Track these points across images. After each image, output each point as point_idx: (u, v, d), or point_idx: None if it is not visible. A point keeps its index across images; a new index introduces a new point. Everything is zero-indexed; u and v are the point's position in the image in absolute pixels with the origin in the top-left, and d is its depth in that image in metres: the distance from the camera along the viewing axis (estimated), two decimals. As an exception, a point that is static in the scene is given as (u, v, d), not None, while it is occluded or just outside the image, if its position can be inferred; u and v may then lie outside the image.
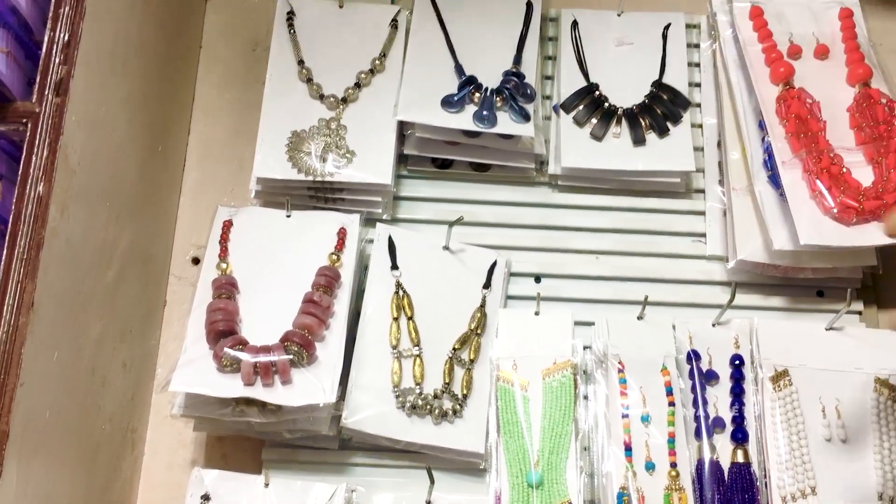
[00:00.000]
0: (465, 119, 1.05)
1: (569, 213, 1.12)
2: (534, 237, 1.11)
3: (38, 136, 0.77)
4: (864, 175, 1.00)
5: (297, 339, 0.91)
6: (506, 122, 1.06)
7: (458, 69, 1.09)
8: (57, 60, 0.80)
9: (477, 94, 1.07)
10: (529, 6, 1.15)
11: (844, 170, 0.99)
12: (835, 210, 0.97)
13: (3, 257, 0.75)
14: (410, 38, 1.11)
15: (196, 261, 1.11)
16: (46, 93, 0.79)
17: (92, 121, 0.86)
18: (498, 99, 1.07)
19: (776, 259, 1.03)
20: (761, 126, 1.06)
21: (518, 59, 1.12)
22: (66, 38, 0.81)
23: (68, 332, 0.83)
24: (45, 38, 0.80)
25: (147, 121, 1.03)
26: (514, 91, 1.08)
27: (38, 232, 0.75)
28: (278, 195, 1.06)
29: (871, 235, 0.98)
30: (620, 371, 0.98)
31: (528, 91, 1.08)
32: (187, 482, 0.93)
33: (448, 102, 1.06)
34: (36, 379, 0.76)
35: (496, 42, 1.12)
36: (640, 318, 1.02)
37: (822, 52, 1.08)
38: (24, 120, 0.79)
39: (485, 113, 1.05)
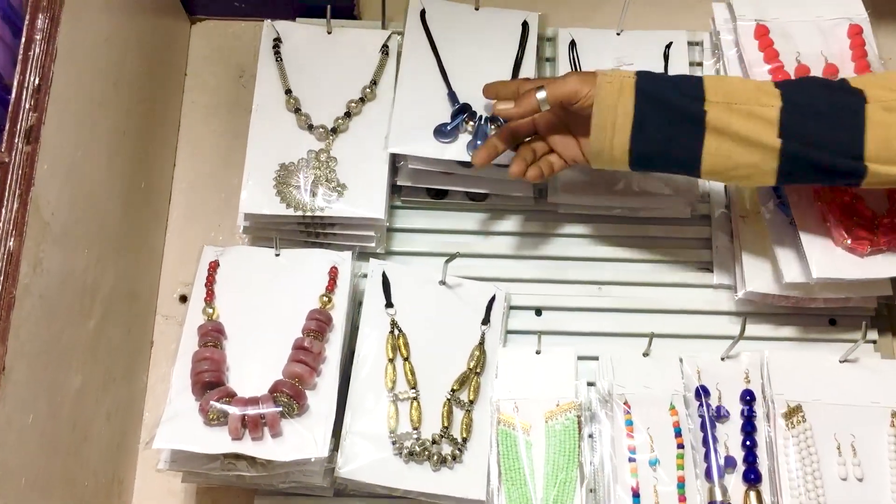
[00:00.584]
0: (458, 149, 1.01)
1: (569, 243, 1.08)
2: (533, 268, 1.07)
3: (6, 189, 0.73)
4: (877, 202, 0.96)
5: (286, 389, 0.87)
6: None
7: (451, 96, 1.05)
8: (27, 106, 0.76)
9: (471, 123, 1.03)
10: (525, 26, 1.11)
11: (856, 199, 0.95)
12: (848, 241, 0.93)
13: (-28, 319, 0.71)
14: (402, 65, 1.07)
15: (184, 298, 1.07)
16: (16, 141, 0.75)
17: (67, 166, 0.82)
18: (493, 127, 1.02)
19: (787, 291, 0.98)
20: (769, 150, 1.01)
21: (513, 84, 1.07)
22: (37, 82, 0.77)
23: (45, 392, 0.79)
24: (14, 83, 0.76)
25: (129, 156, 0.99)
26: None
27: (9, 291, 0.71)
28: (267, 230, 1.02)
29: (887, 267, 0.94)
30: (627, 412, 0.94)
31: None
32: (177, 533, 0.90)
33: (441, 132, 1.02)
34: (10, 446, 0.72)
35: (491, 65, 1.08)
36: (645, 354, 0.98)
37: (831, 73, 1.04)
38: (-7, 170, 0.75)
39: (479, 143, 1.01)
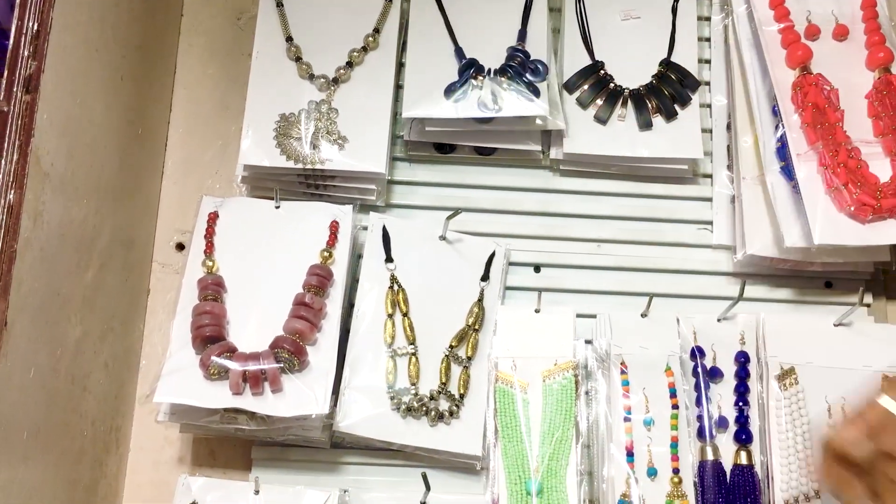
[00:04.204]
0: (471, 105, 0.99)
1: (570, 199, 1.08)
2: (534, 224, 1.06)
3: (6, 140, 0.71)
4: (881, 168, 0.96)
5: (287, 345, 0.86)
6: (514, 103, 1.00)
7: (458, 52, 1.02)
8: (25, 54, 0.74)
9: (479, 77, 1.01)
10: (533, -23, 1.08)
11: (861, 164, 0.94)
12: (851, 208, 0.93)
13: (-28, 273, 0.70)
14: (410, 24, 1.05)
15: (181, 246, 1.06)
16: (15, 90, 0.73)
17: (66, 116, 0.80)
18: (503, 79, 1.01)
19: (787, 254, 0.98)
20: (775, 112, 1.01)
21: (523, 35, 1.05)
22: (36, 28, 0.74)
23: (45, 346, 0.79)
24: (13, 30, 0.74)
25: (125, 103, 0.97)
26: (520, 68, 1.02)
27: (10, 245, 0.70)
28: (266, 181, 1.01)
29: (888, 233, 0.94)
30: (623, 372, 0.95)
31: (537, 66, 1.02)
32: (174, 480, 0.91)
33: (451, 91, 1.00)
34: (12, 400, 0.72)
35: (499, 18, 1.06)
36: (643, 315, 0.98)
37: (841, 34, 1.03)
38: (-8, 120, 0.73)
39: (490, 97, 0.99)
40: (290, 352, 0.86)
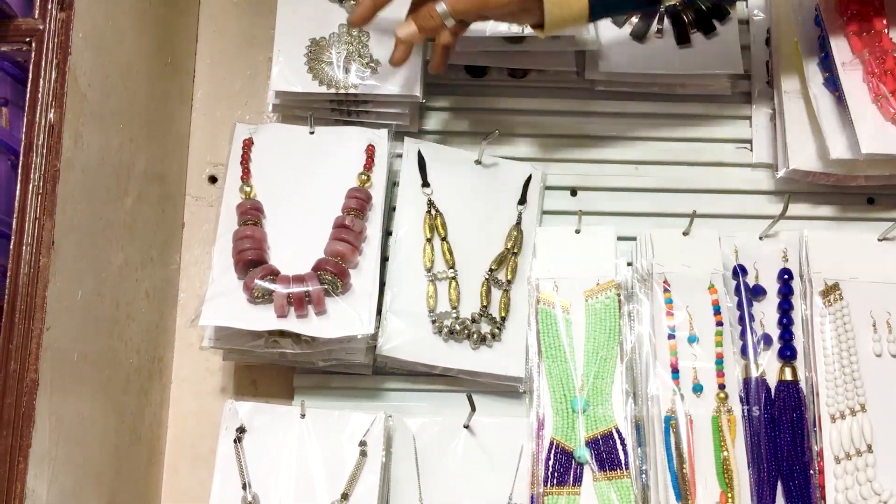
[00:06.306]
0: (499, 25, 0.97)
1: (606, 121, 1.06)
2: (570, 147, 1.05)
3: (44, 57, 0.70)
4: (928, 76, 0.94)
5: (330, 267, 0.86)
6: None
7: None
8: (59, -30, 0.72)
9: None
10: None
11: (909, 72, 0.92)
12: (899, 116, 0.91)
13: (17, 193, 0.69)
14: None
15: (213, 179, 1.05)
16: (50, 7, 0.71)
17: (99, 36, 0.78)
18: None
19: (831, 168, 0.97)
20: (817, 22, 0.98)
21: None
22: (66, -56, 0.73)
23: (91, 268, 0.78)
24: (43, -54, 0.72)
25: (154, 32, 0.95)
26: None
27: (53, 164, 0.69)
28: (298, 108, 1.00)
29: (936, 142, 0.92)
30: (666, 290, 0.94)
31: None
32: (217, 410, 0.91)
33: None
34: (62, 321, 0.72)
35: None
36: (685, 233, 0.97)
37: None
38: (28, 39, 0.71)
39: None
40: (333, 273, 0.86)
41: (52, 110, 0.70)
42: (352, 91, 0.97)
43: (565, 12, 0.84)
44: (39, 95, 0.70)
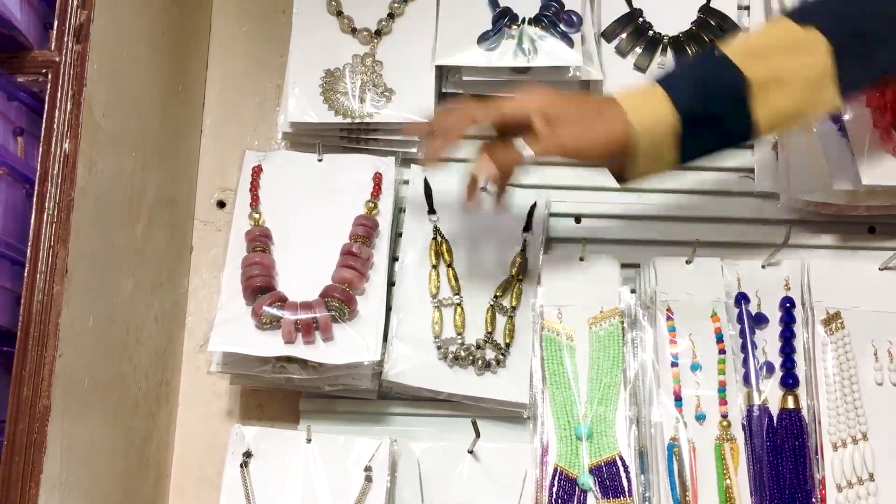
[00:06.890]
0: (504, 54, 0.99)
1: (610, 150, 1.07)
2: (573, 175, 1.06)
3: (59, 88, 0.72)
4: (928, 109, 0.95)
5: (337, 294, 0.87)
6: (549, 52, 0.99)
7: (493, 1, 1.02)
8: (75, 3, 0.74)
9: (514, 26, 1.00)
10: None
11: (909, 105, 0.94)
12: (898, 148, 0.92)
13: (32, 221, 0.70)
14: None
15: (221, 204, 1.07)
16: (66, 40, 0.73)
17: (114, 67, 0.80)
18: (538, 28, 1.00)
19: (833, 198, 0.98)
20: (818, 55, 0.99)
21: (557, -18, 1.04)
22: (83, -23, 0.74)
23: (102, 293, 0.79)
24: (62, -21, 0.74)
25: (165, 59, 0.97)
26: (555, 18, 1.01)
27: (68, 193, 0.71)
28: (307, 136, 1.01)
29: (936, 174, 0.94)
30: (669, 318, 0.95)
31: (571, 17, 1.01)
32: (223, 433, 0.92)
33: (485, 39, 0.99)
34: (74, 348, 0.73)
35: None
36: (688, 261, 0.98)
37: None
38: (44, 70, 0.73)
39: (524, 45, 0.98)
40: (340, 300, 0.87)
41: (67, 140, 0.71)
42: (367, 119, 0.98)
43: (655, 167, 0.82)
44: (55, 126, 0.71)
